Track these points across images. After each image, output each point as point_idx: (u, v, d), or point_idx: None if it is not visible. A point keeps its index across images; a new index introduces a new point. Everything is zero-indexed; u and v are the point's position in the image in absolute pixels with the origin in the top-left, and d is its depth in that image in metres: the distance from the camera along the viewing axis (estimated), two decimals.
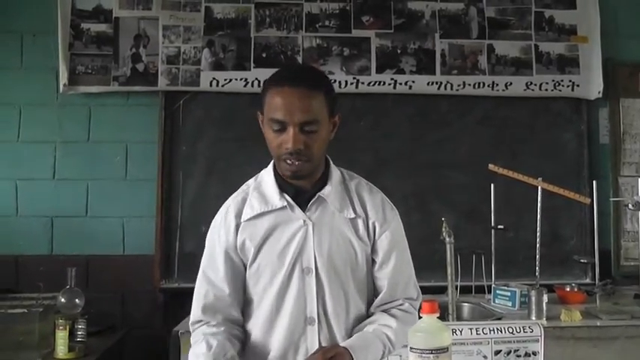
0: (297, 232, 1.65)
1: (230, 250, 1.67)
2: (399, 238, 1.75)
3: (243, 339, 1.69)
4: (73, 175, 3.41)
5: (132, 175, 3.44)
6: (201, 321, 1.67)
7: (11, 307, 2.67)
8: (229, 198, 1.74)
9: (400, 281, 1.73)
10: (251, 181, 1.75)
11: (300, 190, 1.67)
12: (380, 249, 1.71)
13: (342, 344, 1.60)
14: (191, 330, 1.69)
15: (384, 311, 1.71)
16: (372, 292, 1.75)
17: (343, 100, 1.71)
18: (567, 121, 3.61)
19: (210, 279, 1.68)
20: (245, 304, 1.71)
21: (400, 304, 1.72)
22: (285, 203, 1.65)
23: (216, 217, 1.74)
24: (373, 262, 1.72)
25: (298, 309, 1.63)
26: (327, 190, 1.67)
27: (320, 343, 1.63)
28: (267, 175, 1.71)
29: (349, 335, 1.66)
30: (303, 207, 1.66)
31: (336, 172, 1.73)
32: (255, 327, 1.68)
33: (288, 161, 1.58)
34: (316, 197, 1.66)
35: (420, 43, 3.56)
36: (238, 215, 1.68)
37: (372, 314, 1.72)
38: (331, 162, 1.74)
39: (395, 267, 1.71)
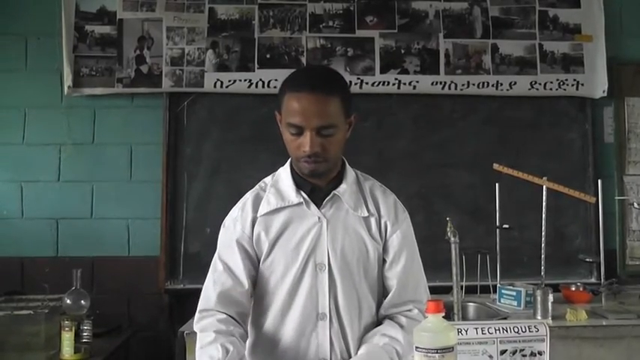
0: (311, 228, 1.68)
1: (246, 243, 1.70)
2: (410, 239, 1.78)
3: (246, 338, 1.69)
4: (78, 177, 3.42)
5: (137, 177, 3.44)
6: (212, 310, 1.65)
7: (17, 308, 2.67)
8: (247, 193, 1.78)
9: (410, 282, 1.74)
10: (268, 179, 1.79)
11: (316, 187, 1.72)
12: (391, 248, 1.74)
13: None
14: (198, 317, 1.67)
15: (393, 319, 1.71)
16: (382, 292, 1.77)
17: None
18: (572, 120, 3.60)
19: (229, 268, 1.69)
20: (256, 298, 1.73)
21: (409, 310, 1.72)
22: (302, 199, 1.69)
23: (232, 210, 1.77)
24: (384, 261, 1.75)
25: (310, 304, 1.66)
26: (342, 189, 1.71)
27: (331, 338, 1.66)
28: (284, 173, 1.76)
29: (359, 332, 1.69)
30: (319, 204, 1.70)
31: (351, 173, 1.77)
32: (267, 321, 1.70)
33: (306, 163, 1.63)
34: (331, 195, 1.70)
35: (424, 42, 3.56)
36: (255, 209, 1.71)
37: (382, 318, 1.74)
38: (347, 163, 1.79)
39: (405, 267, 1.73)
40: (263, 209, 1.70)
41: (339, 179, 1.73)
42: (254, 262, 1.70)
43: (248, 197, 1.76)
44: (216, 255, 1.74)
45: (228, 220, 1.76)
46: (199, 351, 1.60)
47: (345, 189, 1.71)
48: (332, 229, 1.68)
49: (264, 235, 1.69)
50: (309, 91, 1.59)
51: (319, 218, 1.68)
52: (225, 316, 1.64)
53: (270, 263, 1.69)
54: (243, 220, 1.71)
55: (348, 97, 1.68)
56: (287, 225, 1.69)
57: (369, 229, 1.71)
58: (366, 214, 1.72)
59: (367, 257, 1.71)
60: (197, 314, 1.68)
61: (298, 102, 1.58)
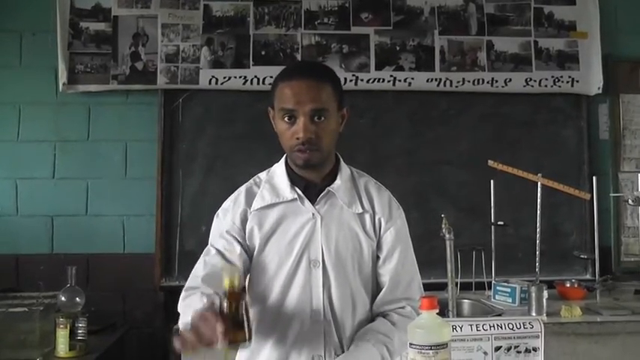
0: (305, 224, 1.68)
1: (236, 234, 1.69)
2: (404, 236, 1.77)
3: None
4: (73, 174, 3.40)
5: (132, 174, 3.43)
6: (198, 288, 1.56)
7: (12, 305, 2.67)
8: (241, 187, 1.78)
9: (402, 279, 1.73)
10: (263, 174, 1.79)
11: (310, 184, 1.71)
12: (384, 245, 1.73)
13: (337, 359, 1.62)
14: (183, 295, 1.60)
15: (386, 316, 1.71)
16: (376, 288, 1.76)
17: None
18: (567, 117, 3.61)
19: (221, 253, 1.66)
20: (249, 294, 1.70)
21: (401, 307, 1.71)
22: (296, 196, 1.69)
23: (225, 203, 1.76)
24: (378, 258, 1.74)
25: (304, 301, 1.65)
26: (336, 185, 1.71)
27: (325, 335, 1.65)
28: (279, 169, 1.76)
29: (353, 328, 1.68)
30: (313, 200, 1.70)
31: (345, 169, 1.77)
32: (260, 317, 1.66)
33: (300, 152, 1.62)
34: (326, 191, 1.70)
35: (419, 39, 3.56)
36: (248, 203, 1.71)
37: (375, 315, 1.73)
38: (341, 159, 1.79)
39: (398, 264, 1.73)
40: (257, 204, 1.70)
41: (333, 175, 1.73)
42: (243, 255, 1.68)
43: (241, 190, 1.76)
44: (208, 244, 1.73)
45: (220, 212, 1.76)
46: (181, 308, 1.56)
47: (339, 185, 1.71)
48: (326, 225, 1.68)
49: (257, 229, 1.68)
50: (301, 77, 1.62)
51: (313, 214, 1.68)
52: (212, 292, 1.50)
53: (264, 259, 1.68)
54: (233, 213, 1.71)
55: (340, 88, 1.70)
56: (281, 221, 1.68)
57: (363, 226, 1.71)
58: (361, 210, 1.71)
59: (361, 254, 1.70)
60: (183, 293, 1.61)
61: (291, 88, 1.61)
